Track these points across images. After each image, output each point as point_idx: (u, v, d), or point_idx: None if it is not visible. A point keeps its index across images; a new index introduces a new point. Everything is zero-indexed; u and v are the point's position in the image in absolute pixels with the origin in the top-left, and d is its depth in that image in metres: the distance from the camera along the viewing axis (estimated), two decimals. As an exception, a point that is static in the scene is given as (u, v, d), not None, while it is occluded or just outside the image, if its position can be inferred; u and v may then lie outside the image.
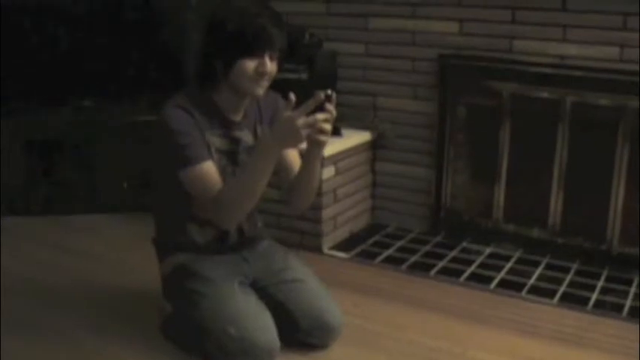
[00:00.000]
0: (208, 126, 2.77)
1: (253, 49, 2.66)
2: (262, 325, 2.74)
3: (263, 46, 2.66)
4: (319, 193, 3.91)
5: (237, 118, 2.86)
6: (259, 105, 2.96)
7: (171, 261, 2.96)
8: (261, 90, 2.74)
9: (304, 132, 2.53)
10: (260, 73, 2.69)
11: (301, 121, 2.51)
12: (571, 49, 3.79)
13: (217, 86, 2.79)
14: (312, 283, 3.01)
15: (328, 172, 3.98)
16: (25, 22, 4.46)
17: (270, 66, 2.70)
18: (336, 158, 4.04)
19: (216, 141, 2.80)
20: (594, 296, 3.55)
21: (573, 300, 3.51)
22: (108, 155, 4.47)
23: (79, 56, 4.53)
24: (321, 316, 2.90)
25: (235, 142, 2.87)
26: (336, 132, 4.12)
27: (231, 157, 2.86)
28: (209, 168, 2.71)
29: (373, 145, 4.40)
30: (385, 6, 4.21)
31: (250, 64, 2.67)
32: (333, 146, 3.98)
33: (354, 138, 4.23)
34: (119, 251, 3.91)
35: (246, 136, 2.90)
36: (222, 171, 2.78)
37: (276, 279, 2.97)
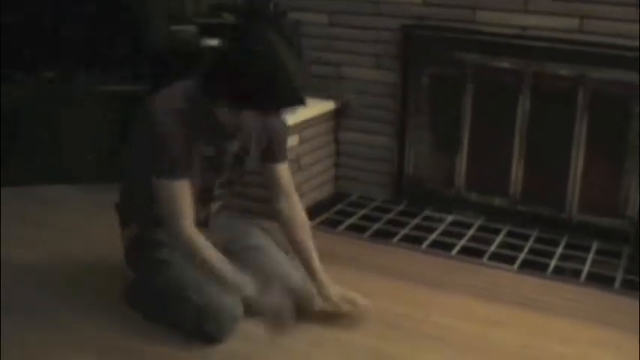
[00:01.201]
0: (200, 132, 2.67)
1: (275, 109, 2.63)
2: (225, 292, 2.75)
3: (286, 108, 2.62)
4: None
5: (231, 130, 2.75)
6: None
7: (134, 229, 2.97)
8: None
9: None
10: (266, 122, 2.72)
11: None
12: (532, 20, 3.83)
13: (220, 103, 2.65)
14: (273, 250, 3.05)
15: (292, 140, 3.99)
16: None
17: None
18: (299, 127, 4.06)
19: (205, 149, 2.73)
20: (553, 262, 3.61)
21: (533, 266, 3.57)
22: (73, 126, 4.44)
23: (44, 26, 4.48)
24: (283, 282, 2.92)
25: (223, 149, 2.82)
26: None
27: (215, 162, 2.82)
28: (181, 189, 2.63)
29: (337, 115, 4.42)
30: (349, -24, 4.22)
31: (262, 115, 2.63)
32: (296, 115, 3.99)
33: (318, 107, 4.24)
34: (87, 222, 3.88)
35: (234, 145, 2.85)
36: (203, 176, 2.76)
37: (237, 247, 3.00)
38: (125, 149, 3.00)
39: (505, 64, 3.96)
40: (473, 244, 3.81)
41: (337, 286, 2.95)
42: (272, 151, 2.95)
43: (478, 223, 4.09)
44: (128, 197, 3.04)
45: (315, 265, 2.96)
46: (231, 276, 2.66)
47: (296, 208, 3.00)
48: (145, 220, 2.94)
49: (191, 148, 2.64)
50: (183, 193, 2.63)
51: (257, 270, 2.89)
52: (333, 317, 2.95)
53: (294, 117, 3.88)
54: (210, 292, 2.73)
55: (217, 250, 2.70)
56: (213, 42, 4.02)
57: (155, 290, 2.87)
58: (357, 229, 3.97)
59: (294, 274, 2.99)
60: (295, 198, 3.02)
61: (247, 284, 2.66)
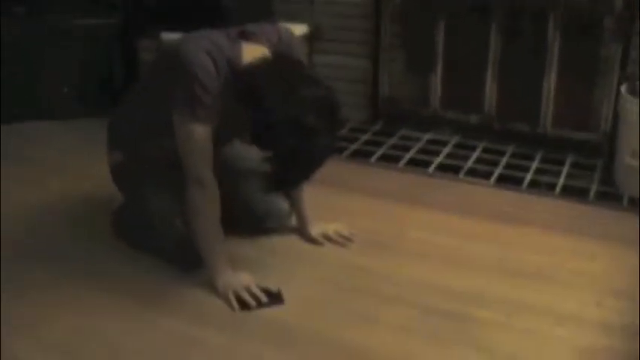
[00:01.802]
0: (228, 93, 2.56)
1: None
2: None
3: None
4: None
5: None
6: None
7: (119, 153, 2.93)
8: None
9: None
10: None
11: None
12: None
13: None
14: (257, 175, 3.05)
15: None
16: None
17: None
18: (274, 51, 4.04)
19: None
20: (529, 177, 3.66)
21: (509, 181, 3.62)
22: (45, 61, 4.40)
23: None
24: (272, 202, 2.99)
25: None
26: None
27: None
28: (209, 136, 2.57)
29: (310, 38, 4.41)
30: None
31: None
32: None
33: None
34: (68, 157, 3.88)
35: None
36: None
37: (226, 170, 2.97)
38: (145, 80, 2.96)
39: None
40: (449, 161, 3.85)
41: (320, 224, 3.02)
42: None
43: (454, 140, 4.13)
44: (120, 124, 3.00)
45: (301, 205, 3.01)
46: (214, 250, 2.66)
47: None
48: (133, 149, 2.93)
49: (220, 101, 2.56)
50: (209, 141, 2.58)
51: (248, 192, 2.96)
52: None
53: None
54: None
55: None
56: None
57: (140, 214, 2.87)
58: (335, 150, 3.98)
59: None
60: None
61: (220, 270, 2.65)
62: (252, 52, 2.56)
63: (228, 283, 2.62)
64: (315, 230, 3.01)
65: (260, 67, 2.47)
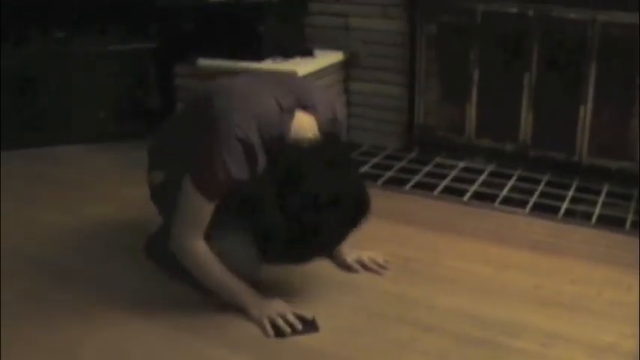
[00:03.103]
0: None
1: None
2: (247, 243, 2.73)
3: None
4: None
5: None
6: None
7: (161, 174, 2.92)
8: None
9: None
10: None
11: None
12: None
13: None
14: None
15: (303, 92, 4.02)
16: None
17: None
18: (310, 78, 4.07)
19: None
20: (564, 206, 3.65)
21: (544, 210, 3.61)
22: (82, 86, 4.45)
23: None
24: None
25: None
26: (308, 53, 4.17)
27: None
28: (208, 210, 2.59)
29: (346, 65, 4.44)
30: None
31: None
32: (306, 67, 4.02)
33: (327, 58, 4.26)
34: (103, 180, 3.93)
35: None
36: None
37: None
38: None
39: (513, 10, 3.96)
40: (484, 190, 3.85)
41: (355, 251, 3.02)
42: None
43: (489, 169, 4.12)
44: (162, 145, 3.02)
45: None
46: (236, 294, 2.66)
47: None
48: (174, 169, 2.94)
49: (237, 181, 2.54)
50: (208, 216, 2.61)
51: None
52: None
53: (303, 68, 3.93)
54: (229, 245, 2.72)
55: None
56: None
57: None
58: (370, 177, 4.00)
59: None
60: None
61: (253, 303, 2.64)
62: (302, 122, 2.57)
63: (262, 310, 2.62)
64: (350, 257, 3.01)
65: (306, 149, 2.48)
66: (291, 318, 2.60)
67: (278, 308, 2.63)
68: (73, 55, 4.43)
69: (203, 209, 2.59)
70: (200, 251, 2.65)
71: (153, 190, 2.99)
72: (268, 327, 2.57)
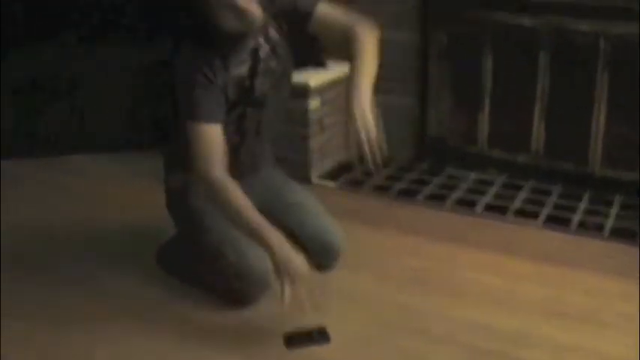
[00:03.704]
0: (222, 64, 2.65)
1: None
2: (259, 253, 2.73)
3: None
4: (306, 124, 3.98)
5: (248, 23, 2.60)
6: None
7: (179, 178, 2.95)
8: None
9: None
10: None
11: None
12: (553, -24, 3.83)
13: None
14: (313, 205, 3.06)
15: (314, 103, 4.03)
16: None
17: None
18: (321, 89, 4.09)
19: (238, 71, 2.70)
20: (577, 217, 3.64)
21: (557, 221, 3.60)
22: (97, 94, 4.47)
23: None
24: (324, 236, 2.95)
25: (254, 54, 2.75)
26: (320, 64, 4.17)
27: (253, 73, 2.75)
28: (215, 133, 2.61)
29: (358, 76, 4.43)
30: None
31: None
32: (318, 78, 4.04)
33: (339, 69, 4.26)
34: (114, 189, 3.95)
35: (263, 43, 2.76)
36: (249, 89, 2.74)
37: (277, 202, 3.00)
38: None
39: (525, 21, 3.96)
40: (496, 201, 3.84)
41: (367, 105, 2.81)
42: (300, 12, 2.79)
43: (501, 180, 4.11)
44: (178, 146, 3.04)
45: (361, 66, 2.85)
46: (258, 225, 2.58)
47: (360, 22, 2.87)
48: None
49: (221, 88, 2.64)
50: (216, 137, 2.61)
51: (300, 225, 2.93)
52: (361, 270, 3.02)
53: (315, 80, 3.94)
54: (244, 250, 2.74)
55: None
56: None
57: (189, 241, 2.91)
58: (381, 188, 4.01)
59: (336, 229, 3.01)
60: (354, 16, 2.87)
61: (274, 237, 2.57)
62: None
63: (283, 244, 2.53)
64: (360, 105, 2.76)
65: None
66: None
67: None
68: (87, 63, 4.44)
69: (210, 135, 2.60)
70: (222, 177, 2.59)
71: (169, 196, 3.01)
72: (292, 254, 2.51)
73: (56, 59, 4.42)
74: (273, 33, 2.79)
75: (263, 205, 2.85)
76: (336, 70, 4.21)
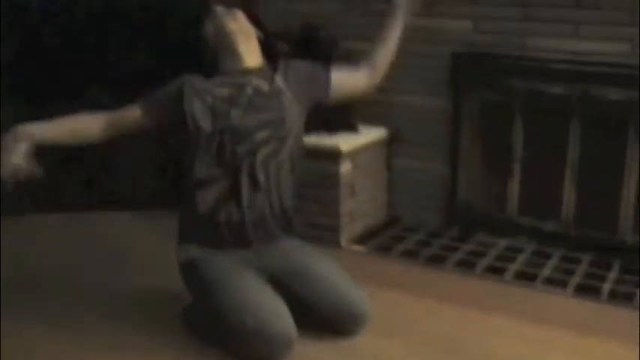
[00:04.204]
0: (212, 84, 2.98)
1: None
2: (278, 315, 2.79)
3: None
4: (337, 188, 4.01)
5: (239, 64, 3.02)
6: (285, 68, 3.09)
7: (188, 248, 3.03)
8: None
9: None
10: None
11: None
12: (583, 45, 3.85)
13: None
14: (338, 278, 3.06)
15: (345, 167, 4.07)
16: (44, 18, 4.49)
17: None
18: (353, 154, 4.12)
19: (218, 91, 2.96)
20: (608, 286, 3.61)
21: (587, 290, 3.58)
22: (130, 152, 4.52)
23: (98, 51, 4.58)
24: (350, 310, 2.98)
25: (239, 87, 2.98)
26: (352, 128, 4.21)
27: (233, 101, 2.95)
28: (132, 109, 3.03)
29: (389, 141, 4.47)
30: (400, 4, 4.27)
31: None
32: (349, 142, 4.08)
33: (370, 134, 4.31)
34: (144, 248, 3.98)
35: (253, 81, 2.99)
36: (225, 115, 2.92)
37: (300, 277, 3.01)
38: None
39: (556, 90, 3.98)
40: (526, 269, 3.83)
41: None
42: (321, 93, 3.13)
43: (530, 247, 4.10)
44: (185, 217, 3.11)
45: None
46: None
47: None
48: (199, 241, 3.02)
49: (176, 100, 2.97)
50: (127, 113, 3.04)
51: (325, 301, 2.97)
52: (389, 335, 3.00)
53: (347, 144, 3.98)
54: (263, 315, 2.77)
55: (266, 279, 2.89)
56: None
57: (208, 312, 2.94)
58: (411, 253, 4.01)
59: (361, 299, 3.04)
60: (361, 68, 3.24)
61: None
62: None
63: None
64: None
65: None
66: None
67: None
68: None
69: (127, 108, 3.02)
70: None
71: (180, 267, 3.07)
72: None
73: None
74: (279, 83, 3.01)
75: (280, 276, 2.90)
76: (367, 134, 4.25)
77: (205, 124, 2.90)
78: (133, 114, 3.00)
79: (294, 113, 3.01)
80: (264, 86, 2.99)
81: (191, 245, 3.03)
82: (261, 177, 2.93)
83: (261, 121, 2.94)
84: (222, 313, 2.85)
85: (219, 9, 3.08)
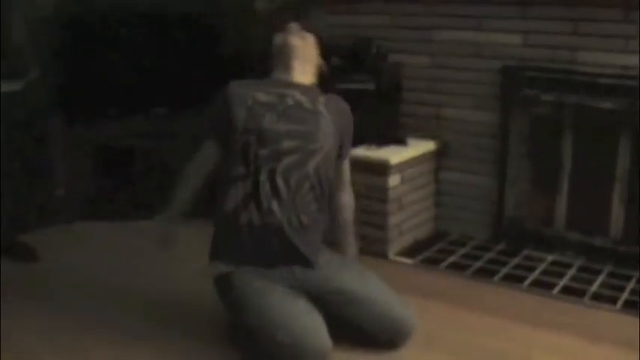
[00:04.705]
0: (256, 88, 3.05)
1: None
2: (312, 328, 2.80)
3: None
4: (385, 201, 4.03)
5: (289, 77, 3.13)
6: (334, 100, 3.17)
7: (219, 265, 3.05)
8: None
9: None
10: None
11: None
12: (633, 60, 3.83)
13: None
14: (381, 296, 3.07)
15: (394, 180, 4.09)
16: (100, 31, 4.54)
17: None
18: (401, 167, 4.15)
19: (260, 95, 3.02)
20: (656, 303, 3.60)
21: (636, 307, 3.55)
22: (181, 163, 4.56)
23: (154, 65, 4.65)
24: (393, 327, 3.01)
25: (280, 96, 3.04)
26: (401, 141, 4.23)
27: (270, 106, 3.01)
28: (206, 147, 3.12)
29: (437, 155, 4.48)
30: (450, 18, 4.29)
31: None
32: (398, 155, 4.10)
33: (419, 147, 4.32)
34: (192, 257, 4.01)
35: (297, 95, 3.06)
36: (259, 118, 2.98)
37: (340, 296, 3.02)
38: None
39: (606, 105, 3.96)
40: (574, 284, 3.81)
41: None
42: (342, 149, 3.19)
43: (578, 263, 4.09)
44: (216, 229, 3.15)
45: (350, 239, 3.34)
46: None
47: (350, 197, 3.32)
48: (229, 259, 3.05)
49: (229, 112, 3.01)
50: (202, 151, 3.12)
51: (369, 321, 3.00)
52: (435, 348, 3.01)
53: (396, 157, 4.00)
54: (295, 330, 2.78)
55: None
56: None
57: (242, 327, 2.97)
58: (458, 267, 4.02)
59: (406, 315, 3.06)
60: (350, 189, 3.33)
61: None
62: None
63: None
64: None
65: None
66: None
67: None
68: (173, 133, 4.55)
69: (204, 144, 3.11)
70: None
71: (214, 284, 3.10)
72: None
73: (142, 129, 4.54)
74: (321, 106, 3.09)
75: (318, 295, 2.91)
76: (416, 148, 4.27)
77: (239, 122, 2.95)
78: (210, 152, 3.13)
79: (329, 134, 3.05)
80: (307, 103, 3.05)
81: (221, 261, 3.06)
82: (280, 184, 2.96)
83: (292, 131, 2.99)
84: (254, 330, 2.87)
85: (294, 26, 3.17)
